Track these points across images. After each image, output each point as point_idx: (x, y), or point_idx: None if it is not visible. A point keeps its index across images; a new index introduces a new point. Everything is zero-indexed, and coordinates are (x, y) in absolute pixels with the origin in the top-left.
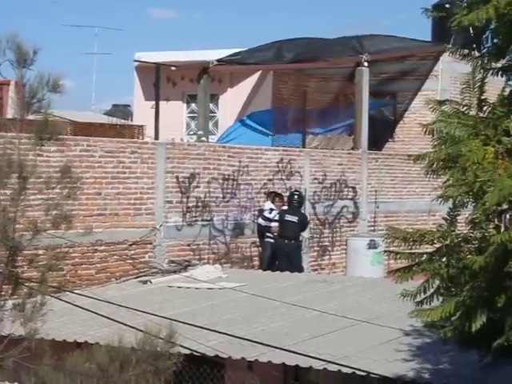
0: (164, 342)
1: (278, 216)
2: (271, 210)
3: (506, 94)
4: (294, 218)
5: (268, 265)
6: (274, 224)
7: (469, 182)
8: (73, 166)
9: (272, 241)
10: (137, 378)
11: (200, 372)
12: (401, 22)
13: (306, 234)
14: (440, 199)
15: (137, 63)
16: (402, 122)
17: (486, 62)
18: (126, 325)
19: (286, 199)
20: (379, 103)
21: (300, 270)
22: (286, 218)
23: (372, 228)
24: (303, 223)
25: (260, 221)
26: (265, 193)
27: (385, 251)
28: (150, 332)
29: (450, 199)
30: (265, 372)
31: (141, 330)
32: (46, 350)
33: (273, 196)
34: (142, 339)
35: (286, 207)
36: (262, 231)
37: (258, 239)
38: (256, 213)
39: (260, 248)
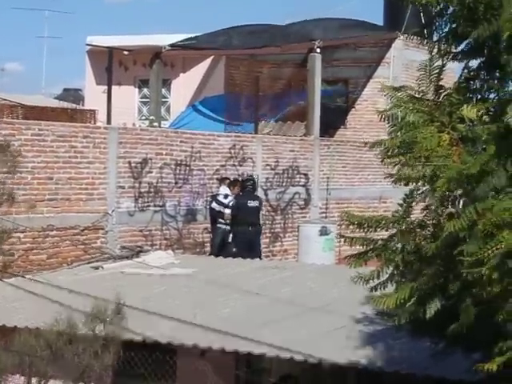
0: (112, 314)
1: (234, 202)
2: (226, 195)
3: (461, 80)
4: (256, 203)
5: (219, 251)
6: (228, 210)
7: (423, 166)
8: (23, 150)
9: (224, 227)
10: (86, 349)
11: (152, 359)
12: (353, 8)
13: None
14: (393, 180)
15: (89, 47)
16: (353, 108)
17: (443, 47)
18: (74, 310)
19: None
20: (332, 90)
21: (260, 255)
22: (249, 204)
23: (324, 215)
24: (261, 206)
25: (214, 205)
26: (217, 178)
27: (340, 236)
28: (97, 307)
29: (403, 180)
30: (217, 359)
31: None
32: None
33: (229, 183)
34: (90, 314)
35: (240, 193)
36: (214, 216)
37: (210, 225)
38: (209, 198)
39: (211, 234)
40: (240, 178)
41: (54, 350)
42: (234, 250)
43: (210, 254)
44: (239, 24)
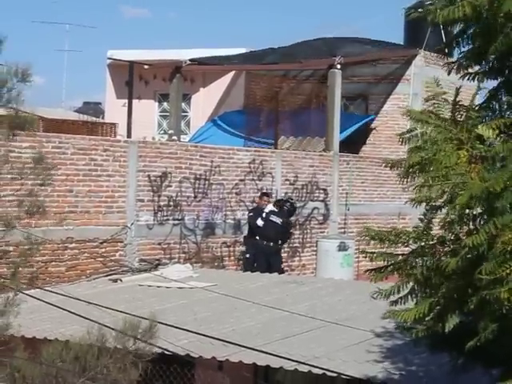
0: (143, 332)
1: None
2: (272, 211)
3: (479, 98)
4: (279, 220)
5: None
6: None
7: (441, 185)
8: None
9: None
10: (115, 363)
11: (170, 371)
12: (374, 26)
13: None
14: (413, 202)
15: (109, 61)
16: (373, 128)
17: (462, 66)
18: (96, 322)
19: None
20: (356, 118)
21: (281, 272)
22: (271, 218)
23: (342, 230)
24: (285, 227)
25: (260, 222)
26: (260, 195)
27: (361, 251)
28: (129, 322)
29: (423, 202)
30: (235, 372)
31: (112, 329)
32: (19, 343)
33: (261, 194)
34: (120, 329)
35: (275, 209)
36: (255, 231)
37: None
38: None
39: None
40: (258, 193)
41: (83, 363)
42: (255, 264)
43: (245, 270)
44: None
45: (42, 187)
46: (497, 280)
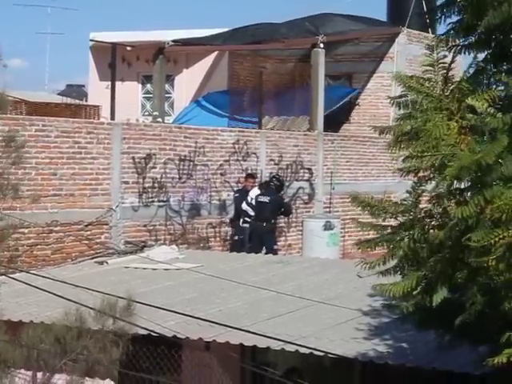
0: (121, 311)
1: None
2: (259, 195)
3: (471, 70)
4: (266, 198)
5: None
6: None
7: (431, 156)
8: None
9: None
10: (95, 343)
11: (157, 352)
12: (355, 2)
13: None
14: (402, 172)
15: (92, 43)
16: (357, 105)
17: (451, 38)
18: (82, 305)
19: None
20: (339, 90)
21: (273, 253)
22: (259, 199)
23: (328, 209)
24: (276, 203)
25: (246, 207)
26: (246, 176)
27: (352, 219)
28: (107, 302)
29: (412, 172)
30: (222, 352)
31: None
32: (1, 327)
33: (246, 175)
34: (99, 309)
35: (258, 191)
36: (240, 214)
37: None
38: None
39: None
40: (243, 173)
41: (63, 344)
42: (248, 245)
43: (233, 251)
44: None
45: (13, 166)
46: (485, 248)
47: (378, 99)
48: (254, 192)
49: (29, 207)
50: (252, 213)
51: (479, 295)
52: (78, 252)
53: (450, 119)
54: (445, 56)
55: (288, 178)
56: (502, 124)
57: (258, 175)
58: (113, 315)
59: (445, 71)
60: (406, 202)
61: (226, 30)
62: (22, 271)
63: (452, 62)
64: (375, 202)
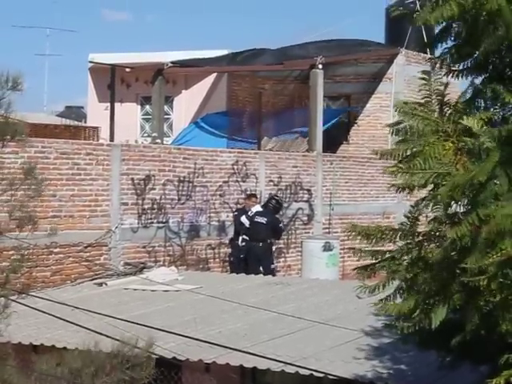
0: (141, 352)
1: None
2: (257, 212)
3: (467, 95)
4: (263, 220)
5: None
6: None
7: (424, 173)
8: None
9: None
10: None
11: (157, 374)
12: (357, 25)
13: None
14: (394, 187)
15: (91, 64)
16: (356, 124)
17: (447, 63)
18: (82, 327)
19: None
20: (338, 111)
21: (270, 272)
22: (256, 220)
23: (327, 230)
24: (273, 225)
25: (244, 219)
26: (247, 196)
27: (349, 248)
28: (127, 341)
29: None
30: (222, 374)
31: (112, 337)
32: (10, 353)
33: (248, 195)
34: (118, 346)
35: (260, 209)
36: (239, 231)
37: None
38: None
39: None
40: (242, 195)
41: (78, 381)
42: (246, 266)
43: (232, 272)
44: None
45: (32, 199)
46: (480, 270)
47: (377, 120)
48: (256, 208)
49: (27, 229)
50: (248, 225)
51: (476, 317)
52: (78, 273)
53: (446, 140)
54: (441, 80)
55: (287, 199)
56: (492, 138)
57: (258, 196)
58: (130, 360)
59: (440, 96)
60: (403, 227)
61: (225, 52)
62: (21, 293)
63: (446, 85)
64: (373, 231)
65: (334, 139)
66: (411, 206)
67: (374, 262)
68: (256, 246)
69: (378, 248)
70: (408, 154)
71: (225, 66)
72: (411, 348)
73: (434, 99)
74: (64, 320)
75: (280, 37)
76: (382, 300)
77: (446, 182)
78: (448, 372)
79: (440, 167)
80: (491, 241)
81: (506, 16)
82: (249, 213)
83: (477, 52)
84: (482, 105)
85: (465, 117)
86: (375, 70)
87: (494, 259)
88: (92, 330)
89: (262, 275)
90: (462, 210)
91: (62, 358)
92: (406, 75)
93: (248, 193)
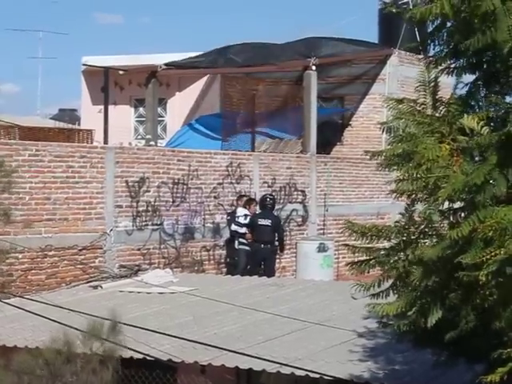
0: (108, 331)
1: (250, 221)
2: (246, 215)
3: (460, 92)
4: (268, 222)
5: (244, 272)
6: (243, 229)
7: (423, 178)
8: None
9: (247, 248)
10: (84, 367)
11: (153, 377)
12: (347, 26)
13: None
14: (394, 194)
15: (84, 67)
16: (349, 126)
17: (439, 61)
18: (77, 329)
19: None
20: (329, 110)
21: (273, 274)
22: (260, 223)
23: (321, 231)
24: (276, 225)
25: (235, 227)
26: (237, 198)
27: (344, 245)
28: (93, 324)
29: (403, 194)
30: (218, 375)
31: (77, 329)
32: None
33: (246, 201)
34: (87, 332)
35: (258, 211)
36: (234, 237)
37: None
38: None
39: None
40: (253, 196)
41: (53, 369)
42: (249, 267)
43: (228, 274)
44: (234, 42)
45: (4, 193)
46: (477, 267)
47: (371, 121)
48: (241, 211)
49: (22, 232)
50: (242, 231)
51: (472, 314)
52: (73, 276)
53: (442, 142)
54: (435, 78)
55: (281, 201)
56: (489, 141)
57: (274, 198)
58: (99, 337)
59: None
60: (398, 224)
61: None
62: (16, 296)
63: (437, 83)
64: (369, 229)
65: (328, 140)
66: (406, 204)
67: (368, 258)
68: (265, 249)
69: (373, 245)
70: (398, 152)
71: (218, 62)
72: (406, 348)
73: (428, 98)
74: (59, 323)
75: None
76: (374, 295)
77: (444, 185)
78: (443, 371)
79: (439, 171)
80: (488, 238)
81: (500, 17)
82: (237, 218)
83: (470, 51)
84: (476, 103)
85: (465, 116)
86: (368, 70)
87: (496, 257)
88: (79, 330)
89: (256, 276)
90: (455, 207)
91: (38, 352)
92: (399, 76)
93: (250, 198)
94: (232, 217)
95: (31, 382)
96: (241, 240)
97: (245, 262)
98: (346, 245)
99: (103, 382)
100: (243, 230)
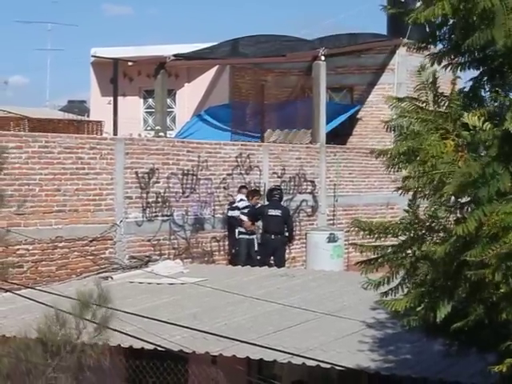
0: (97, 298)
1: (258, 211)
2: (241, 199)
3: (462, 88)
4: (278, 212)
5: (245, 262)
6: (244, 217)
7: (428, 174)
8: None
9: (247, 237)
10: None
11: (164, 367)
12: (356, 16)
13: None
14: (400, 191)
15: (93, 59)
16: (359, 119)
17: (442, 57)
18: (87, 320)
19: (263, 195)
20: (339, 105)
21: (283, 264)
22: (270, 213)
23: (331, 221)
24: (287, 216)
25: (232, 213)
26: (238, 188)
27: (351, 244)
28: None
29: (410, 191)
30: (229, 366)
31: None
32: None
33: (250, 191)
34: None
35: (267, 203)
36: (232, 225)
37: (228, 234)
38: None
39: (227, 242)
40: (258, 188)
41: (50, 349)
42: (258, 257)
43: (230, 264)
44: (242, 34)
45: None
46: (483, 263)
47: (380, 111)
48: (239, 197)
49: (32, 223)
50: (235, 214)
51: (481, 307)
52: (83, 267)
53: (446, 138)
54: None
55: (291, 191)
56: (493, 137)
57: (262, 188)
58: (89, 305)
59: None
60: (404, 221)
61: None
62: (27, 287)
63: (435, 80)
64: (376, 227)
65: (340, 132)
66: (409, 199)
67: (376, 256)
68: (276, 239)
69: (380, 243)
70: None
71: (227, 54)
72: (417, 338)
73: (429, 94)
74: (70, 314)
75: (281, 29)
76: (384, 293)
77: (449, 181)
78: (455, 361)
79: (444, 167)
80: (493, 235)
81: (498, 14)
82: (235, 204)
83: (472, 47)
84: (479, 97)
85: (465, 114)
86: (377, 60)
87: (498, 252)
88: (94, 322)
89: (267, 267)
90: (462, 201)
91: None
92: (408, 66)
93: (253, 189)
94: (231, 207)
95: (29, 363)
96: (240, 229)
97: (245, 252)
98: (354, 244)
99: (98, 349)
100: (236, 213)
